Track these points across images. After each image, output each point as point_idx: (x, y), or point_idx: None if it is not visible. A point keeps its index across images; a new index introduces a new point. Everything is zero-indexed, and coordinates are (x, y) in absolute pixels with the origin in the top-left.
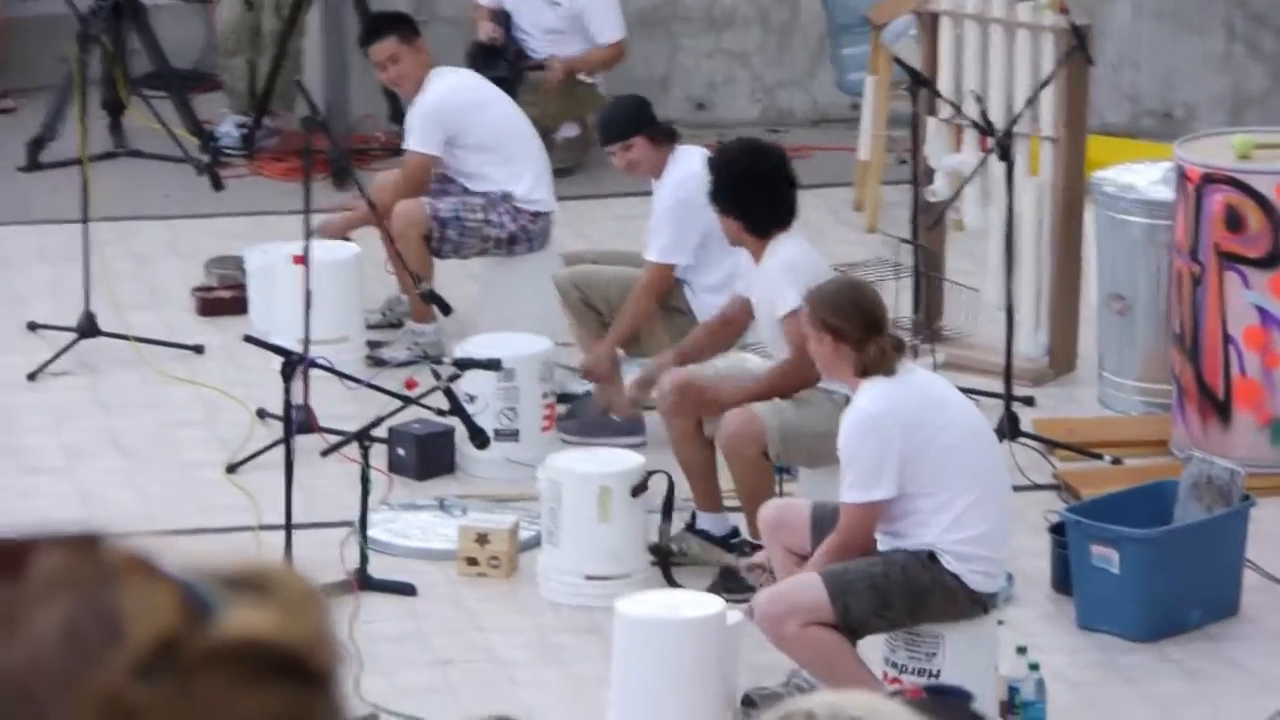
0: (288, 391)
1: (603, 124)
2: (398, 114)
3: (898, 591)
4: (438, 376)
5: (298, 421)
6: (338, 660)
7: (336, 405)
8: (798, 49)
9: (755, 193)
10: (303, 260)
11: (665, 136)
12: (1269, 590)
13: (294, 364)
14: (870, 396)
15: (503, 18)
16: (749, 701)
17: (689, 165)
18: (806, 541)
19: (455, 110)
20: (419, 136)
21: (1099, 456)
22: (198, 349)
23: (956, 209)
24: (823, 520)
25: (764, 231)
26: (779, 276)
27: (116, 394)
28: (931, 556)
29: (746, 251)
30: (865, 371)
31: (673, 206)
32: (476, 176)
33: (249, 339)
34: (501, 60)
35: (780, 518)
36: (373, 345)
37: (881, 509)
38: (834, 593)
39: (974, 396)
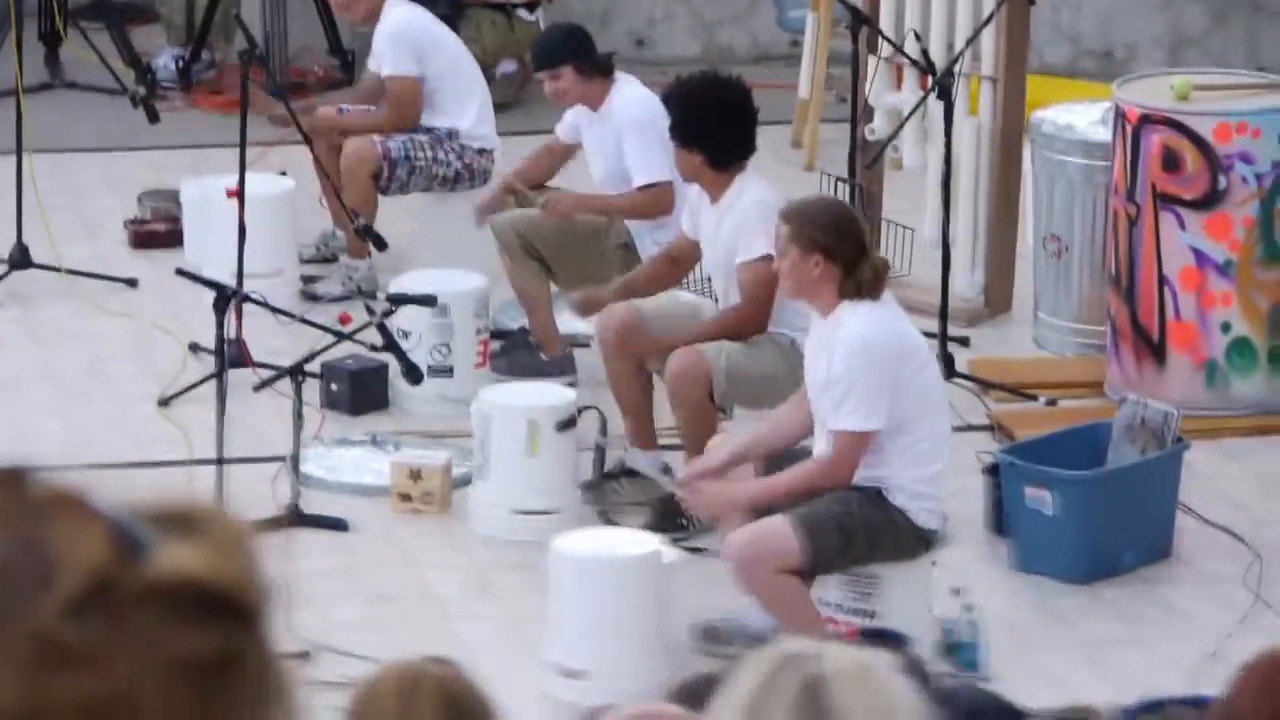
0: (220, 326)
1: (534, 50)
2: (336, 47)
3: (860, 530)
4: (371, 312)
5: (230, 356)
6: (268, 598)
7: (270, 340)
8: None
9: (720, 124)
10: (236, 194)
11: (596, 69)
12: (1202, 533)
13: (226, 298)
14: (866, 323)
15: None
16: (711, 633)
17: (632, 90)
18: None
19: (420, 35)
20: (396, 59)
21: (1033, 398)
22: (131, 282)
23: (895, 148)
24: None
25: (725, 164)
26: (751, 218)
27: (48, 326)
28: (879, 494)
29: (695, 189)
30: (850, 294)
31: (630, 129)
32: (426, 110)
33: (181, 272)
34: None
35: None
36: (306, 280)
37: (873, 439)
38: (803, 533)
39: None
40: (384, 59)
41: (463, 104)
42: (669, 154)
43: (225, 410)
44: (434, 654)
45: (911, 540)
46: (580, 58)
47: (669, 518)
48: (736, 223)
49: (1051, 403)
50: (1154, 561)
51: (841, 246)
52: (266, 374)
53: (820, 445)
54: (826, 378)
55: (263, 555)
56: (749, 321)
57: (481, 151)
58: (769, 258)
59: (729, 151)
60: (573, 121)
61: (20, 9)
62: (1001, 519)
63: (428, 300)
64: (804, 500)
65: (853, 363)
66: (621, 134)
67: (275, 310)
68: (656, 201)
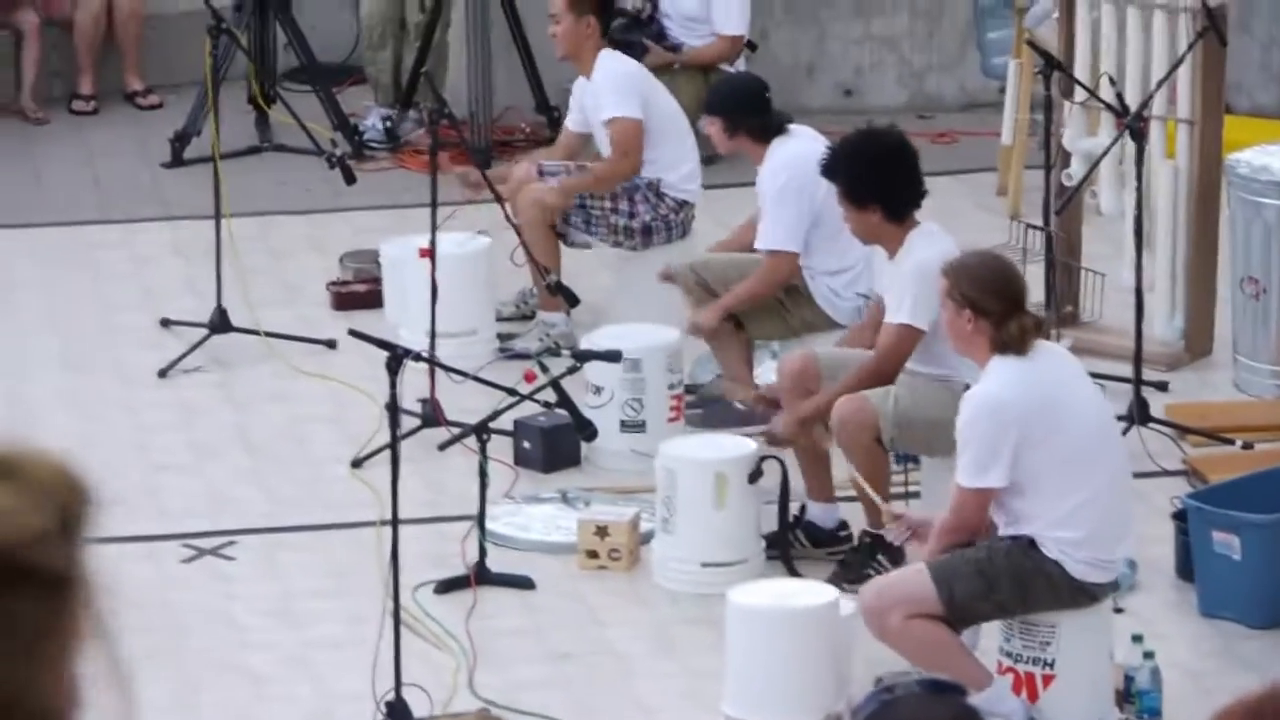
0: (393, 385)
1: (711, 89)
2: (542, 105)
3: (1003, 575)
4: (544, 370)
5: (424, 415)
6: (77, 561)
7: (465, 399)
8: (946, 33)
9: (889, 176)
10: (429, 253)
11: (745, 130)
12: None
13: (398, 358)
14: (1000, 381)
15: (654, 4)
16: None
17: (788, 150)
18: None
19: (641, 82)
20: (620, 101)
21: (1230, 441)
22: (330, 344)
23: (1093, 193)
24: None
25: (901, 214)
26: (905, 280)
27: (246, 390)
28: (1032, 544)
29: (881, 251)
30: (1001, 349)
31: (773, 194)
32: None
33: (353, 333)
34: (640, 36)
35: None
36: (503, 337)
37: (993, 496)
38: (938, 579)
39: (1104, 381)
40: (605, 103)
41: (671, 155)
42: (804, 220)
43: (398, 470)
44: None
45: (1069, 591)
46: (730, 115)
47: (853, 568)
48: (903, 279)
49: (1248, 446)
50: None
51: (990, 303)
52: (455, 432)
53: None
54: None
55: (80, 511)
56: (869, 381)
57: (682, 204)
58: (907, 326)
59: (903, 201)
60: None
61: (216, 73)
62: (1190, 564)
63: (612, 356)
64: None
65: (968, 418)
66: (762, 198)
67: (446, 369)
68: (776, 271)
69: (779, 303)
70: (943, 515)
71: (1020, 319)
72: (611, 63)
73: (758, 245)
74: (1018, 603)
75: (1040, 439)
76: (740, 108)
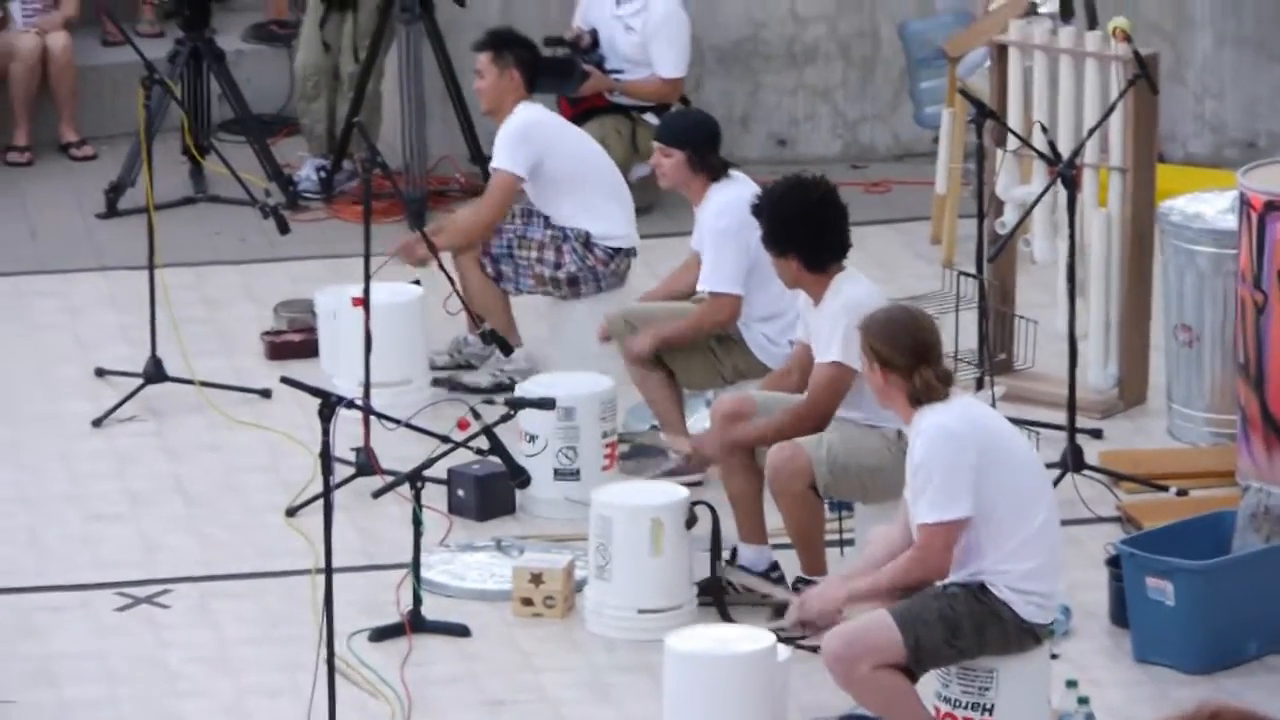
0: (325, 433)
1: (663, 121)
2: (477, 155)
3: (964, 620)
4: (477, 416)
5: (359, 463)
6: None
7: (400, 447)
8: (880, 83)
9: (810, 227)
10: (362, 302)
11: (705, 167)
12: None
13: (331, 405)
14: (942, 417)
15: (593, 36)
16: None
17: (728, 194)
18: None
19: (544, 134)
20: (506, 155)
21: (1164, 488)
22: (265, 393)
23: (1026, 242)
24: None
25: (822, 265)
26: (835, 319)
27: (181, 439)
28: (982, 588)
29: (804, 295)
30: (915, 402)
31: (712, 237)
32: (556, 212)
33: (286, 380)
34: (578, 61)
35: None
36: (454, 368)
37: (961, 528)
38: (904, 626)
39: (1038, 429)
40: (495, 151)
41: (599, 205)
42: (742, 263)
43: (331, 519)
44: None
45: (1018, 634)
46: (698, 150)
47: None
48: (828, 324)
49: (1183, 493)
50: (1279, 650)
51: (894, 355)
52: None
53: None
54: (911, 472)
55: None
56: (805, 421)
57: (614, 254)
58: (838, 365)
59: (823, 252)
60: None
61: (149, 124)
62: (1125, 610)
63: (545, 404)
64: (902, 596)
65: (928, 451)
66: (703, 240)
67: (379, 416)
68: (719, 311)
69: (710, 350)
70: (909, 557)
71: (923, 372)
72: (522, 114)
73: (701, 286)
74: (975, 648)
75: (989, 468)
76: (705, 142)
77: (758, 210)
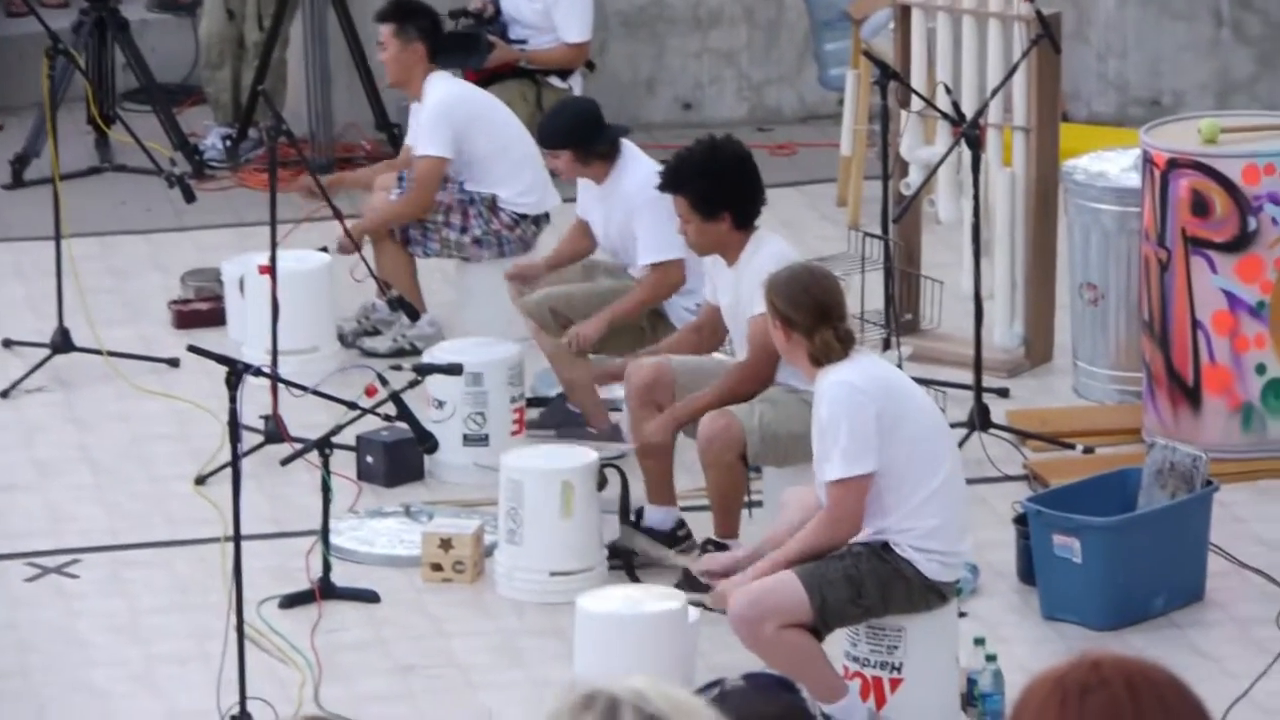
0: (233, 400)
1: (540, 127)
2: (383, 122)
3: (867, 579)
4: (384, 383)
5: (267, 431)
6: None
7: (308, 415)
8: (785, 46)
9: (738, 184)
10: (269, 270)
11: (595, 155)
12: (1236, 575)
13: (238, 373)
14: (844, 374)
15: (496, 5)
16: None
17: (644, 168)
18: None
19: (464, 110)
20: (430, 139)
21: (1071, 446)
22: (172, 362)
23: (931, 202)
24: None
25: (750, 221)
26: (760, 273)
27: (89, 409)
28: (885, 547)
29: (714, 259)
30: (815, 361)
31: (648, 205)
32: (468, 178)
33: (192, 348)
34: (483, 35)
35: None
36: (358, 335)
37: (870, 483)
38: (810, 586)
39: (945, 389)
40: (419, 137)
41: (507, 171)
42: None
43: (240, 487)
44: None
45: (923, 592)
46: (579, 146)
47: (695, 578)
48: (753, 279)
49: (1089, 450)
50: (1185, 605)
51: (796, 314)
52: (298, 447)
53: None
54: (818, 434)
55: None
56: (751, 376)
57: (519, 219)
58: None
59: (751, 208)
60: (583, 196)
61: (54, 94)
62: (1032, 568)
63: (453, 369)
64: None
65: (834, 409)
66: (633, 213)
67: (286, 383)
68: (667, 278)
69: (641, 328)
70: (818, 521)
71: (823, 332)
72: (437, 90)
73: (643, 260)
74: (880, 606)
75: (892, 424)
76: (588, 136)
77: (676, 180)
